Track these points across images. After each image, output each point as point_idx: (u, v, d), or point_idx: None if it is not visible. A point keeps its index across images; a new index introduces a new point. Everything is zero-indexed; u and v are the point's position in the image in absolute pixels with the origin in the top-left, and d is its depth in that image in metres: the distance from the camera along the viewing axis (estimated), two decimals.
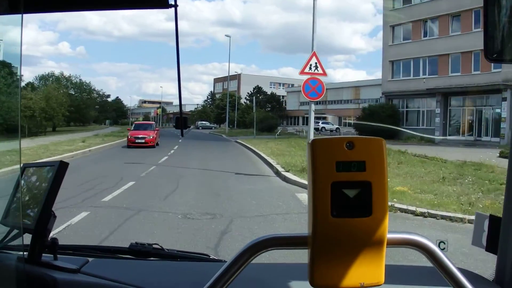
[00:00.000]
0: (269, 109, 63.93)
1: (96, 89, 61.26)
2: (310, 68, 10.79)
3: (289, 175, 11.23)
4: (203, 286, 0.76)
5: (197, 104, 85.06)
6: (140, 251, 1.41)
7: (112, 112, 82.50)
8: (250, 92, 70.52)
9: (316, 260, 0.71)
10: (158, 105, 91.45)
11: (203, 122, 69.14)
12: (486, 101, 28.74)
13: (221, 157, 16.98)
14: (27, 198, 1.17)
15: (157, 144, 23.52)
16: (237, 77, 79.57)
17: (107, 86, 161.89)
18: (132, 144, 22.07)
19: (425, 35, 32.71)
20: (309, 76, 10.86)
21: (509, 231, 1.12)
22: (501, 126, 26.34)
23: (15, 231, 1.17)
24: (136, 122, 29.69)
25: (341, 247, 0.70)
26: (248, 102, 67.52)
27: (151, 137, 22.48)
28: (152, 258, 1.42)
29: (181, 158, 16.71)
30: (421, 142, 27.26)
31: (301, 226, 5.82)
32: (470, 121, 29.52)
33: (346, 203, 0.69)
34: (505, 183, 1.15)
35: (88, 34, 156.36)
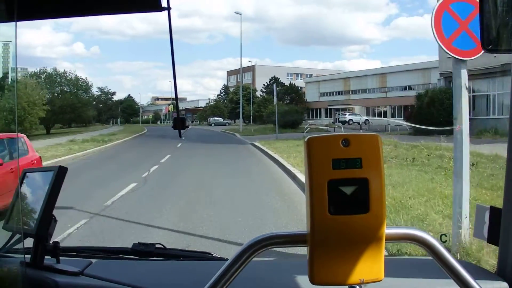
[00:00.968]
0: (287, 101, 57.69)
1: (100, 86, 55.54)
2: None
3: None
4: (205, 285, 0.76)
5: (209, 99, 79.31)
6: (143, 251, 1.41)
7: (117, 111, 76.64)
8: (266, 84, 65.06)
9: (316, 257, 0.72)
10: (169, 102, 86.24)
11: (216, 118, 63.02)
12: None
13: (230, 184, 9.40)
14: (27, 203, 1.20)
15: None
16: (251, 68, 73.49)
17: (122, 85, 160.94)
18: None
19: None
20: None
21: (510, 222, 1.12)
22: None
23: (17, 236, 1.19)
24: None
25: (340, 244, 0.71)
26: (264, 94, 61.49)
27: None
28: (155, 258, 1.41)
29: (162, 182, 10.00)
30: (495, 137, 20.27)
31: None
32: None
33: (343, 200, 0.69)
34: (505, 174, 1.14)
35: (102, 34, 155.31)
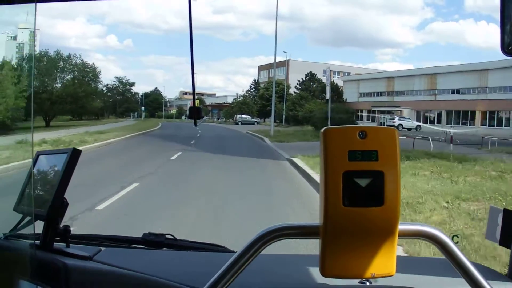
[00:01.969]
0: (325, 101, 51.18)
1: (119, 76, 48.56)
2: None
3: None
4: (214, 275, 0.76)
5: (236, 94, 72.65)
6: (153, 241, 1.38)
7: (133, 103, 70.03)
8: (301, 80, 58.62)
9: (328, 249, 0.71)
10: (196, 97, 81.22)
11: (243, 116, 56.56)
12: None
13: None
14: (39, 185, 1.20)
15: None
16: (285, 63, 66.44)
17: (154, 79, 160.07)
18: None
19: None
20: None
21: None
22: None
23: (28, 218, 1.18)
24: None
25: (352, 237, 0.70)
26: (299, 91, 54.50)
27: None
28: (164, 249, 1.39)
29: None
30: None
31: None
32: None
33: (358, 192, 0.69)
34: None
35: (135, 27, 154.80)
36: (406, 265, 1.09)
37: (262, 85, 66.35)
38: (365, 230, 0.69)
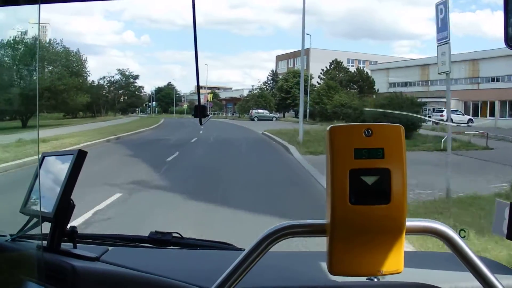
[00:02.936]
0: (354, 90, 44.81)
1: (121, 68, 41.62)
2: None
3: None
4: (223, 274, 0.76)
5: (252, 85, 65.92)
6: (160, 240, 1.38)
7: (139, 99, 63.18)
8: (325, 69, 52.31)
9: (335, 247, 0.72)
10: (209, 91, 75.41)
11: (259, 111, 49.53)
12: None
13: None
14: (46, 187, 1.19)
15: None
16: (306, 52, 59.14)
17: (171, 74, 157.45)
18: None
19: None
20: None
21: None
22: None
23: (35, 220, 1.17)
24: None
25: (359, 234, 0.70)
26: (323, 81, 47.57)
27: None
28: (171, 247, 1.39)
29: None
30: None
31: None
32: None
33: (365, 190, 0.69)
34: None
35: (152, 22, 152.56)
36: (413, 260, 1.09)
37: (280, 76, 59.37)
38: (372, 228, 0.69)
